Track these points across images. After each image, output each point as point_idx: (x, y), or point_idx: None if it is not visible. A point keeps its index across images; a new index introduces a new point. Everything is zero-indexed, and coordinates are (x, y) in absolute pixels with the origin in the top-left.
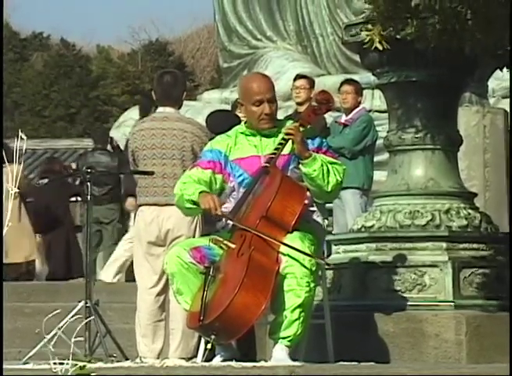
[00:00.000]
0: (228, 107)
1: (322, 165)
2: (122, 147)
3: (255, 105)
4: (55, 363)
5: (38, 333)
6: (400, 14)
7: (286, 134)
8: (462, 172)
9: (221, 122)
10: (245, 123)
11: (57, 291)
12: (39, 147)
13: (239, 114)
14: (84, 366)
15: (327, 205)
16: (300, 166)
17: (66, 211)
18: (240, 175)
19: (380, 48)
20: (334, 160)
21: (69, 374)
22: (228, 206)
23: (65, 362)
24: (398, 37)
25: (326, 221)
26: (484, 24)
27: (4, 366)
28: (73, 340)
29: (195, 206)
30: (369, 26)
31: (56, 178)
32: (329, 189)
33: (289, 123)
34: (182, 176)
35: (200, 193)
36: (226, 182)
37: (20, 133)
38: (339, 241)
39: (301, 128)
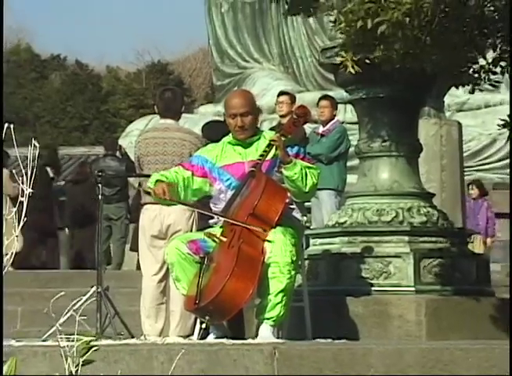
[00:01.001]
0: (221, 119)
1: (301, 169)
2: (129, 154)
3: (231, 117)
4: (61, 339)
5: (47, 313)
6: (368, 41)
7: (271, 141)
8: (422, 176)
9: (214, 131)
10: (232, 134)
11: (72, 278)
12: None
13: None
14: (90, 341)
15: (306, 204)
16: (282, 170)
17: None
18: (228, 179)
19: (353, 72)
20: (310, 165)
21: (74, 348)
22: (219, 206)
23: (71, 338)
24: (367, 61)
25: (304, 217)
26: (441, 48)
27: (25, 343)
28: (78, 318)
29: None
30: (343, 53)
31: (69, 180)
32: (307, 190)
33: (270, 133)
34: None
35: (157, 181)
36: (212, 185)
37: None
38: (316, 235)
39: (283, 138)
